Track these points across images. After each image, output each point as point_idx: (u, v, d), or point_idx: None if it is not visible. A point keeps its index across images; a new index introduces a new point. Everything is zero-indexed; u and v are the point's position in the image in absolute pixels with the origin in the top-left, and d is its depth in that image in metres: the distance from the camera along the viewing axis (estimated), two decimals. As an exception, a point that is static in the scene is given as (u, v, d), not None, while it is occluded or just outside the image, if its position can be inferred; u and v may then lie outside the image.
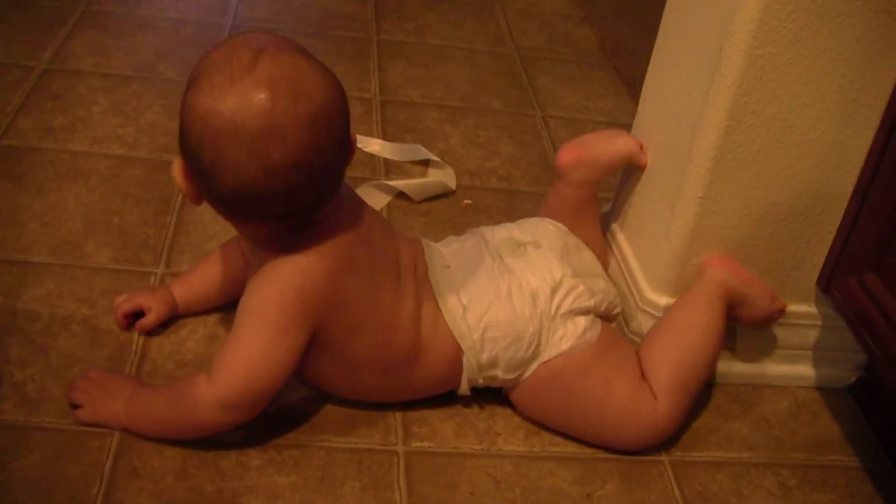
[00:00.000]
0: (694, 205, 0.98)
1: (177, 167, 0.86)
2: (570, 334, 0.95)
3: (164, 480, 0.88)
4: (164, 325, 1.04)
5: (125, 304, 1.03)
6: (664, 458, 0.98)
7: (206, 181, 0.83)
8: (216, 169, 0.81)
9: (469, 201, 1.33)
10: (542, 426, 1.00)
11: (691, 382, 0.99)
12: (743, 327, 1.06)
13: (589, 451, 0.97)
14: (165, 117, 1.41)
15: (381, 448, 0.95)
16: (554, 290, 0.96)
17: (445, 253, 1.00)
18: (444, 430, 0.98)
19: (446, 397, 1.00)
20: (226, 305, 1.05)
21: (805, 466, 1.00)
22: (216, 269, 1.04)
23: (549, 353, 0.95)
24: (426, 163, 1.40)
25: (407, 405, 0.99)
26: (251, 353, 0.86)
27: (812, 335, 1.07)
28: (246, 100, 0.79)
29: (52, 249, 1.12)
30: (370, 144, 1.42)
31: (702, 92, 0.94)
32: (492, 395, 1.01)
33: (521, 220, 1.07)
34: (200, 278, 1.05)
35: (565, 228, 1.05)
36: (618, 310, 1.02)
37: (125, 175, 1.27)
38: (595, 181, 1.07)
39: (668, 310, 1.03)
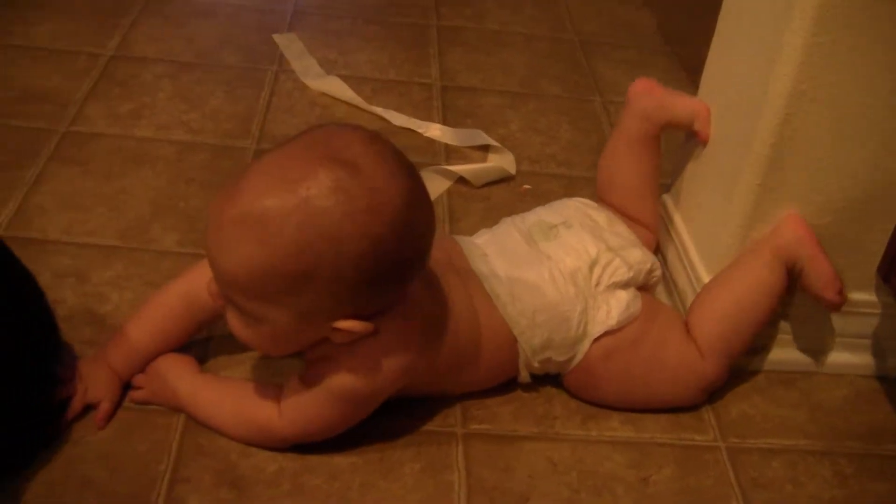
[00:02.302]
0: (751, 192, 0.98)
1: (353, 326, 0.82)
2: (614, 309, 0.96)
3: (228, 458, 0.90)
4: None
5: (77, 405, 0.92)
6: (720, 444, 0.99)
7: (386, 289, 0.83)
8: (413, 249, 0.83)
9: (528, 186, 1.34)
10: (600, 407, 1.01)
11: (736, 340, 1.00)
12: (803, 311, 1.06)
13: (645, 437, 0.98)
14: (228, 103, 1.43)
15: (440, 430, 0.97)
16: (591, 267, 0.97)
17: (479, 243, 1.01)
18: (503, 413, 0.99)
19: (506, 384, 1.01)
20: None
21: (862, 455, 1.00)
22: (148, 333, 0.95)
23: (597, 329, 0.96)
24: (486, 148, 1.41)
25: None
26: (331, 421, 0.89)
27: (871, 324, 1.07)
28: (387, 182, 0.79)
29: (120, 233, 1.15)
30: (430, 129, 1.44)
31: (761, 79, 0.94)
32: (550, 380, 1.02)
33: (550, 203, 1.08)
34: (132, 348, 0.94)
35: (594, 204, 1.06)
36: (657, 275, 1.03)
37: (190, 160, 1.30)
38: (658, 122, 1.07)
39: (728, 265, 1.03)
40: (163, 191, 1.23)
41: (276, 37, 1.63)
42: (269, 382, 0.92)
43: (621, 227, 1.04)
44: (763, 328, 1.03)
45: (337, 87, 1.50)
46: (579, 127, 1.50)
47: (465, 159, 1.39)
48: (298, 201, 0.76)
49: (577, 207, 1.05)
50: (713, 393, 1.03)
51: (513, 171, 1.36)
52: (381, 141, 0.82)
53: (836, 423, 1.03)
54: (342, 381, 0.86)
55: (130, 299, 1.06)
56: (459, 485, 0.91)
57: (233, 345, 0.99)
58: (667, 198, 1.17)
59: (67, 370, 0.93)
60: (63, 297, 1.04)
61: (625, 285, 0.98)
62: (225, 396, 0.92)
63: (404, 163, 0.82)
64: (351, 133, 0.81)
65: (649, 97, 1.08)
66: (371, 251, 0.78)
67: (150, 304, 0.96)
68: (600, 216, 1.04)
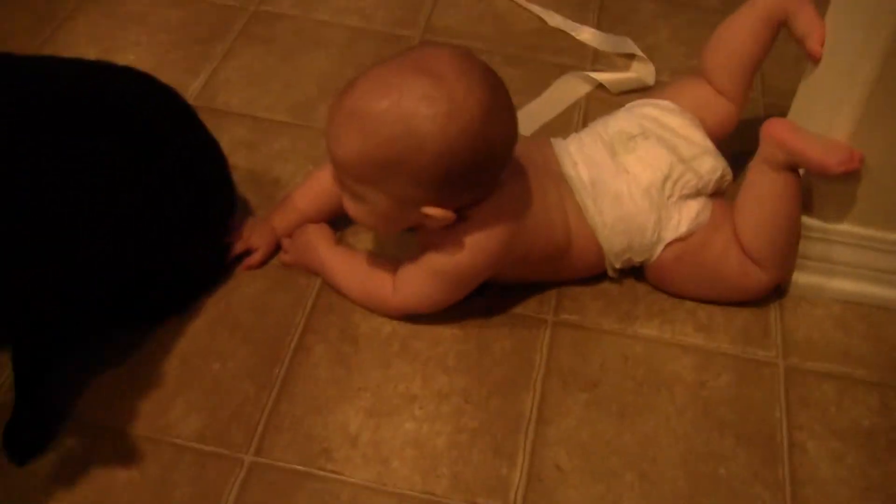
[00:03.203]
0: (851, 121, 1.04)
1: (437, 212, 0.98)
2: (685, 219, 1.09)
3: (352, 318, 1.09)
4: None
5: (240, 246, 1.13)
6: (780, 361, 1.10)
7: (465, 183, 0.98)
8: (483, 160, 0.97)
9: (663, 98, 1.43)
10: (679, 299, 1.14)
11: (782, 246, 1.11)
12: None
13: (712, 345, 1.11)
14: (402, -9, 1.58)
15: (534, 316, 1.12)
16: (664, 181, 1.08)
17: (572, 150, 1.12)
18: (591, 307, 1.14)
19: (599, 279, 1.15)
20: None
21: (913, 391, 1.09)
22: (310, 199, 1.14)
23: (669, 235, 1.09)
24: (631, 56, 1.50)
25: (563, 282, 1.15)
26: (437, 299, 1.06)
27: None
28: (471, 98, 0.95)
29: (289, 109, 1.33)
30: (582, 33, 1.54)
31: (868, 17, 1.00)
32: (637, 276, 1.16)
33: (629, 105, 1.19)
34: (296, 210, 1.14)
35: (673, 107, 1.15)
36: (729, 179, 1.12)
37: (359, 46, 1.46)
38: (784, 13, 1.14)
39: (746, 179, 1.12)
40: (331, 74, 1.40)
41: (456, -74, 1.74)
42: (390, 259, 1.09)
43: (695, 133, 1.13)
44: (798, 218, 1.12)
45: (501, -17, 1.61)
46: (726, 42, 1.56)
47: (609, 64, 1.49)
48: (391, 103, 0.93)
49: (654, 115, 1.14)
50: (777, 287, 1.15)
51: (651, 82, 1.45)
52: (471, 59, 0.97)
53: (897, 358, 1.13)
54: (441, 261, 1.03)
55: (291, 171, 1.25)
56: (539, 364, 1.07)
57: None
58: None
59: (236, 223, 1.14)
60: (235, 163, 1.23)
61: (695, 195, 1.10)
62: (352, 269, 1.10)
63: (488, 79, 0.97)
64: (445, 51, 0.97)
65: None
66: (447, 150, 0.94)
67: (309, 180, 1.16)
68: (675, 121, 1.13)
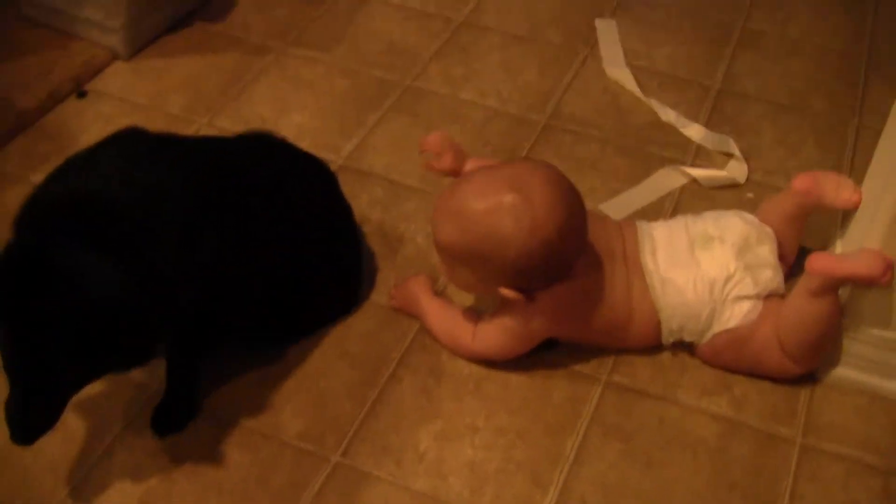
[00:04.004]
0: (883, 228, 1.20)
1: (510, 293, 1.22)
2: (735, 315, 1.27)
3: (440, 358, 1.34)
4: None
5: (433, 149, 1.36)
6: (798, 439, 1.27)
7: (536, 278, 1.22)
8: (550, 263, 1.20)
9: (751, 195, 1.59)
10: (730, 372, 1.33)
11: (822, 352, 1.29)
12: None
13: (741, 418, 1.28)
14: (537, 78, 1.80)
15: (590, 374, 1.33)
16: (727, 281, 1.27)
17: (655, 236, 1.32)
18: (642, 373, 1.33)
19: (656, 348, 1.35)
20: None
21: (917, 484, 1.22)
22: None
23: (718, 327, 1.28)
24: (730, 155, 1.67)
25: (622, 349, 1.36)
26: (505, 350, 1.30)
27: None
28: (547, 216, 1.18)
29: (421, 177, 1.58)
30: (689, 129, 1.72)
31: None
32: (690, 349, 1.34)
33: (718, 213, 1.37)
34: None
35: (755, 220, 1.34)
36: (782, 291, 1.29)
37: (492, 126, 1.70)
38: (808, 211, 1.35)
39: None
40: (463, 147, 1.63)
41: (598, 21, 1.95)
42: (475, 312, 1.33)
43: (765, 249, 1.31)
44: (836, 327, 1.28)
45: (626, 78, 1.81)
46: (824, 147, 1.68)
47: (708, 159, 1.66)
48: (486, 211, 1.18)
49: (737, 225, 1.32)
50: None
51: (742, 181, 1.61)
52: (558, 183, 1.20)
53: (912, 452, 1.26)
54: (512, 323, 1.27)
55: (414, 230, 1.50)
56: (586, 415, 1.28)
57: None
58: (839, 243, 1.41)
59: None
60: (370, 218, 1.50)
61: (748, 298, 1.28)
62: (443, 317, 1.34)
63: (568, 202, 1.20)
64: (538, 173, 1.20)
65: (806, 196, 1.34)
66: (524, 256, 1.18)
67: None
68: (753, 235, 1.31)
